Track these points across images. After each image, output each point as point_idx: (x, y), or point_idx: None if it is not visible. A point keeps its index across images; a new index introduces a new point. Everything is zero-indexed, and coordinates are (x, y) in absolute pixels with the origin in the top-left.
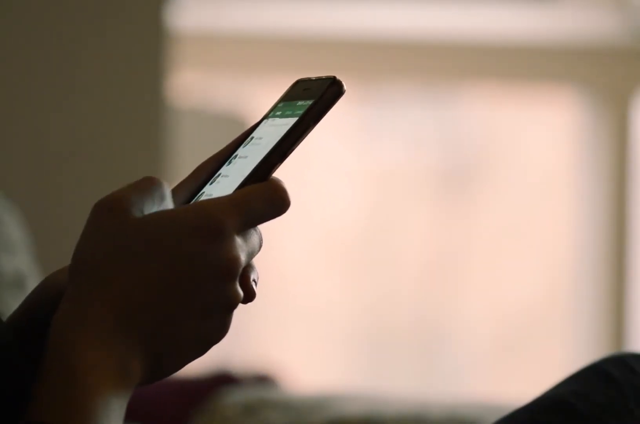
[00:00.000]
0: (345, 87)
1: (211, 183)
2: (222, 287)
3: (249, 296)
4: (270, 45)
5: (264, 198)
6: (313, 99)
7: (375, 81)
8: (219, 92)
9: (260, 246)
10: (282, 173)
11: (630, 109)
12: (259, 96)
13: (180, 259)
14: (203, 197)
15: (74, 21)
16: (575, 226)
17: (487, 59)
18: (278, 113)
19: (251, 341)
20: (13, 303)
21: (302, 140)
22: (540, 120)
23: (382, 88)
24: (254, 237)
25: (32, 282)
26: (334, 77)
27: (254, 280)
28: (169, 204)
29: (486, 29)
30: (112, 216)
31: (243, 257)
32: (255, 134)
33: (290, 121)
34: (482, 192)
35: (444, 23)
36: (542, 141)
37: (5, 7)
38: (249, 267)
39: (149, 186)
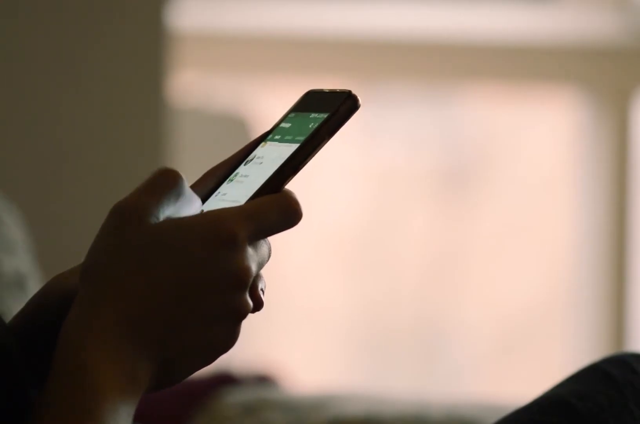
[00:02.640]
0: (360, 101)
1: (228, 182)
2: (232, 297)
3: (257, 305)
4: (271, 45)
5: (277, 210)
6: (328, 113)
7: (375, 81)
8: (219, 92)
9: (269, 256)
10: None
11: (630, 109)
12: (259, 96)
13: (192, 268)
14: (219, 197)
15: (74, 21)
16: (575, 226)
17: (487, 59)
18: (289, 124)
19: (251, 341)
20: (13, 303)
21: (315, 153)
22: (541, 120)
23: (382, 88)
24: (263, 248)
25: (32, 283)
26: (350, 92)
27: (261, 289)
28: (187, 199)
29: (486, 29)
30: (127, 224)
31: (254, 268)
32: (267, 142)
33: (305, 134)
34: (482, 192)
35: (444, 23)
36: (542, 140)
37: (6, 7)
38: (257, 277)
39: (166, 187)
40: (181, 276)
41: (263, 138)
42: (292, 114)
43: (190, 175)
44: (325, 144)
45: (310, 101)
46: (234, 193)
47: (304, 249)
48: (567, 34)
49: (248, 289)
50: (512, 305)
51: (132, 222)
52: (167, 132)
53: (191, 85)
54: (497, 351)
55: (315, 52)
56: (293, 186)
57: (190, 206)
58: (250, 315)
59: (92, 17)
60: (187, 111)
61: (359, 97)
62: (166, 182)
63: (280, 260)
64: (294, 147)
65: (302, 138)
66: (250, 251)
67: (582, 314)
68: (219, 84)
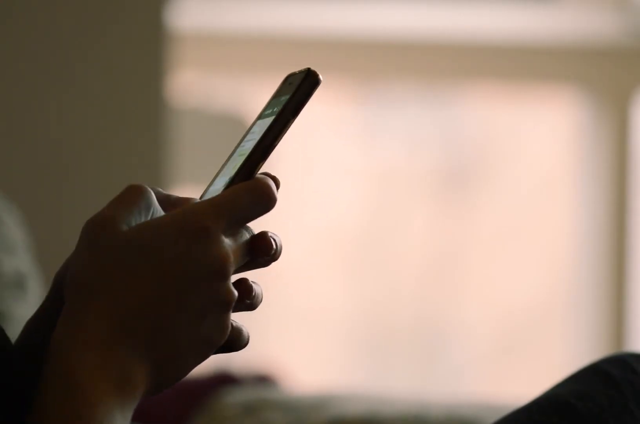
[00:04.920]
0: (320, 76)
1: (209, 187)
2: (213, 287)
3: (247, 293)
4: (270, 45)
5: (248, 196)
6: (290, 94)
7: (375, 81)
8: (219, 92)
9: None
10: (282, 173)
11: (630, 109)
12: (259, 96)
13: (169, 264)
14: (210, 189)
15: (74, 21)
16: (575, 226)
17: (487, 59)
18: (268, 111)
19: (251, 341)
20: (13, 303)
21: (283, 135)
22: (541, 120)
23: (382, 88)
24: (244, 236)
25: (32, 283)
26: (308, 69)
27: (252, 282)
28: (156, 211)
29: (486, 29)
30: (102, 233)
31: (233, 256)
32: (249, 133)
33: (272, 118)
34: (482, 192)
35: (444, 23)
36: (542, 141)
37: (6, 7)
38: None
39: (134, 198)
40: (161, 275)
41: (251, 128)
42: (273, 100)
43: (190, 175)
44: (291, 124)
45: (285, 84)
46: (219, 183)
47: (304, 248)
48: (567, 34)
49: (229, 278)
50: (512, 305)
51: (106, 230)
52: (167, 132)
53: (191, 85)
54: (497, 351)
55: (315, 52)
56: (292, 185)
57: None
58: (250, 316)
59: (92, 17)
60: (187, 110)
61: (318, 73)
62: (135, 195)
63: (280, 260)
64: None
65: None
66: (226, 240)
67: (582, 314)
68: (219, 84)
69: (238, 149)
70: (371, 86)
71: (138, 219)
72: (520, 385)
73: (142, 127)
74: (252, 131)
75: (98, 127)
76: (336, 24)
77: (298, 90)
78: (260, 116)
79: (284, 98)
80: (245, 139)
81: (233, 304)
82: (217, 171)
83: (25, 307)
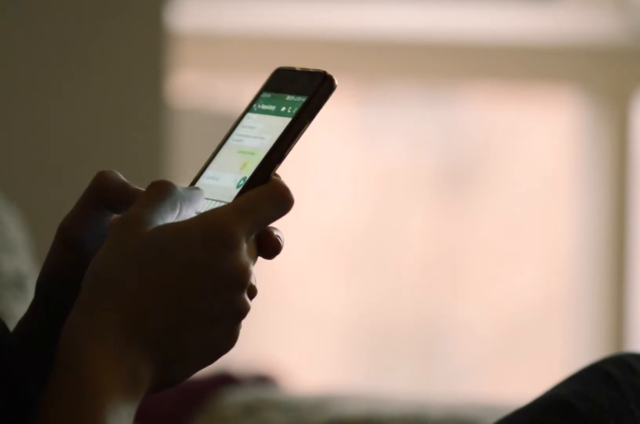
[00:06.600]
0: (336, 81)
1: (199, 178)
2: (231, 297)
3: (252, 296)
4: (270, 45)
5: (269, 201)
6: (305, 96)
7: (375, 81)
8: (219, 92)
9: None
10: (282, 173)
11: (630, 109)
12: None
13: (191, 269)
14: (211, 181)
15: (75, 21)
16: (575, 227)
17: (487, 59)
18: (265, 107)
19: (251, 341)
20: (13, 303)
21: (298, 138)
22: (540, 120)
23: (382, 88)
24: (254, 240)
25: (32, 283)
26: (325, 73)
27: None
28: (182, 206)
29: (486, 29)
30: (126, 232)
31: (251, 265)
32: (241, 127)
33: (285, 120)
34: (482, 192)
35: (444, 23)
36: (542, 141)
37: (6, 7)
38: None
39: (159, 195)
40: (179, 278)
41: (239, 121)
42: (267, 94)
43: (190, 175)
44: (307, 128)
45: (283, 81)
46: (225, 180)
47: (304, 249)
48: (567, 34)
49: (246, 288)
50: (512, 305)
51: (130, 229)
52: (167, 132)
53: (191, 85)
54: (497, 351)
55: (316, 52)
56: (292, 185)
57: (191, 207)
58: (250, 316)
59: (92, 17)
60: (187, 110)
61: (334, 78)
62: (159, 193)
63: (281, 260)
64: (276, 135)
65: (284, 125)
66: (246, 247)
67: (582, 314)
68: (219, 84)
69: (234, 143)
70: (371, 86)
71: (164, 216)
72: (520, 385)
73: (142, 127)
74: (250, 125)
75: (98, 127)
76: (336, 24)
77: (316, 94)
78: (252, 109)
79: (292, 98)
80: (242, 134)
81: (246, 314)
82: (205, 162)
83: (25, 307)
